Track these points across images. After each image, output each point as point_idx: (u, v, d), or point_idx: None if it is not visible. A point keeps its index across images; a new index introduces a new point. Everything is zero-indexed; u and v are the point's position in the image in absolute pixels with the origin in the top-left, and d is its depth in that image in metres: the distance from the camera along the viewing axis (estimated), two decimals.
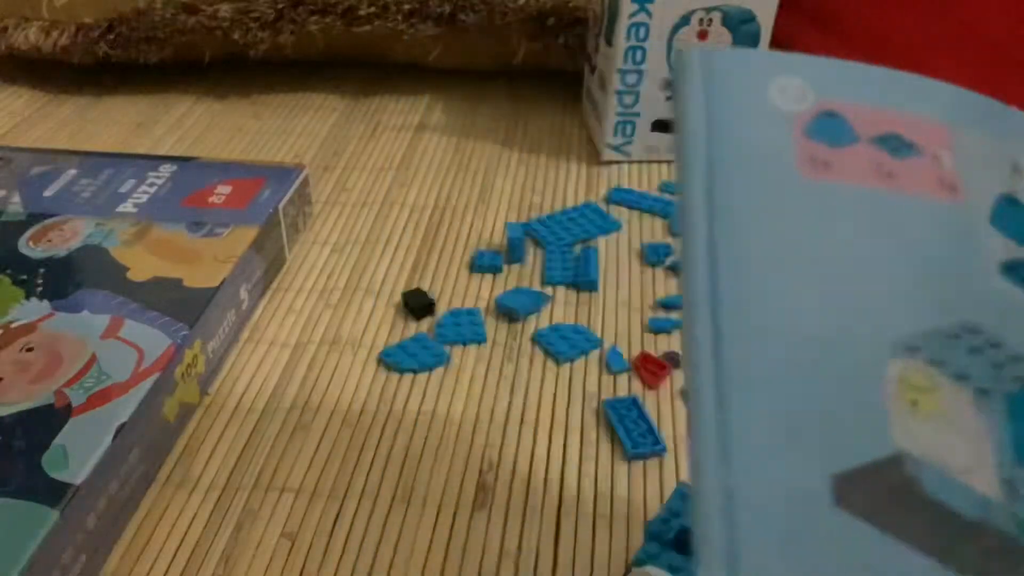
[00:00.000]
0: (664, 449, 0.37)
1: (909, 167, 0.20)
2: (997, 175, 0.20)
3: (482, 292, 0.47)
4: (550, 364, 0.42)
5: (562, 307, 0.46)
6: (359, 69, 0.73)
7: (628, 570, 0.29)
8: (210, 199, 0.47)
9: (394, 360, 0.42)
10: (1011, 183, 0.20)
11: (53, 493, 0.30)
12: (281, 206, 0.48)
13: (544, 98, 0.70)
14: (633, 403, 0.39)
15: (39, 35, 0.66)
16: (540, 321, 0.45)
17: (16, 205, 0.47)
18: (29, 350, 0.37)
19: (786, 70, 0.20)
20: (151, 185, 0.49)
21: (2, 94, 0.70)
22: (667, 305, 0.46)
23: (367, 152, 0.62)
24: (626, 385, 0.41)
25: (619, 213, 0.54)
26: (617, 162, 0.60)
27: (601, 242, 0.51)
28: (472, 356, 0.42)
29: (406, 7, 0.63)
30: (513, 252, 0.49)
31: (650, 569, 0.28)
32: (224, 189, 0.48)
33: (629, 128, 0.58)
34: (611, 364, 0.42)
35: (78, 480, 0.30)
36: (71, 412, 0.33)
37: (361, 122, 0.66)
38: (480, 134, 0.64)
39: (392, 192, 0.56)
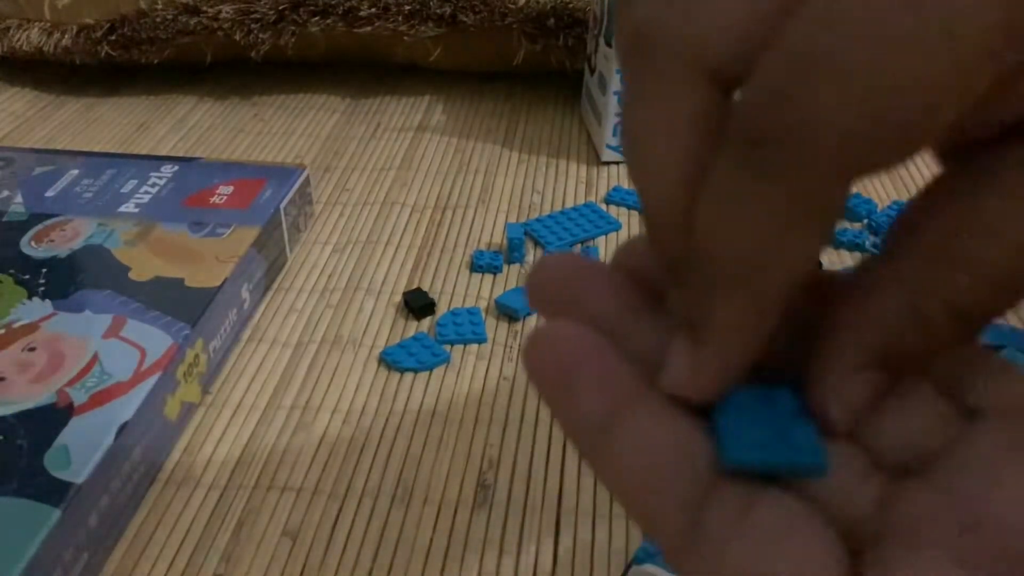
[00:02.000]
0: None
1: None
2: None
3: (482, 292, 0.47)
4: None
5: None
6: (360, 70, 0.73)
7: (627, 568, 0.30)
8: (212, 199, 0.48)
9: (394, 359, 0.42)
10: None
11: (55, 492, 0.30)
12: (282, 206, 0.48)
13: (544, 98, 0.70)
14: None
15: (41, 36, 0.66)
16: (540, 321, 0.45)
17: (18, 205, 0.47)
18: (31, 350, 0.37)
19: None
20: (153, 185, 0.49)
21: (4, 95, 0.70)
22: None
23: (368, 152, 0.62)
24: None
25: (619, 213, 0.54)
26: (617, 162, 0.60)
27: (601, 242, 0.51)
28: (472, 356, 0.43)
29: (407, 8, 0.63)
30: (513, 252, 0.49)
31: (649, 567, 0.28)
32: (226, 189, 0.48)
33: None
34: None
35: (80, 479, 0.31)
36: (73, 411, 0.34)
37: (362, 123, 0.66)
38: (480, 134, 0.64)
39: (392, 192, 0.57)
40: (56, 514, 0.29)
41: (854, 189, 0.57)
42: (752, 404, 0.15)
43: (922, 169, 0.60)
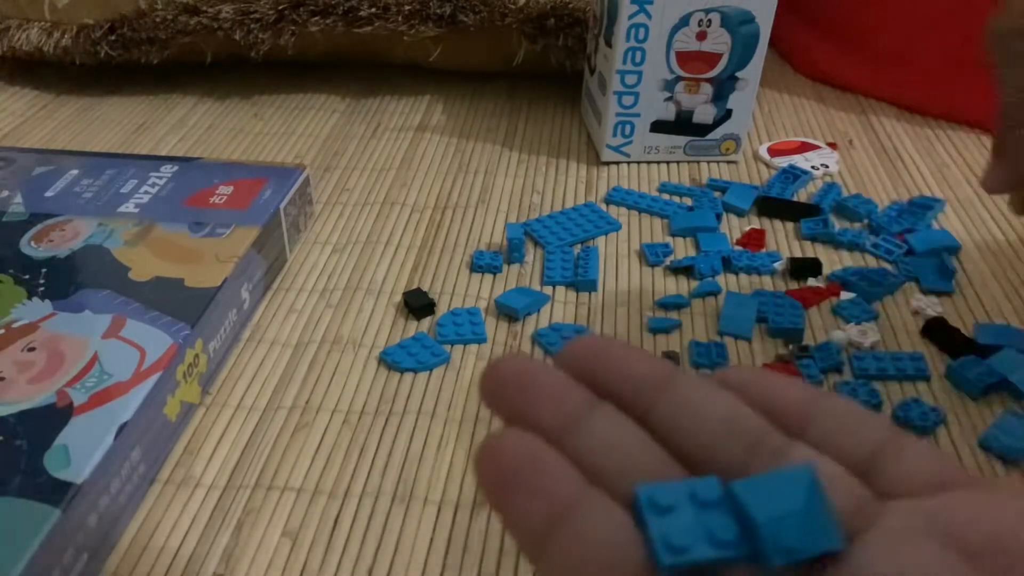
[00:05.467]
0: None
1: None
2: None
3: (482, 292, 0.47)
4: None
5: (562, 307, 0.46)
6: (360, 70, 0.73)
7: None
8: (211, 199, 0.48)
9: (394, 359, 0.42)
10: None
11: (55, 492, 0.30)
12: (282, 206, 0.48)
13: (544, 98, 0.70)
14: None
15: (41, 36, 0.66)
16: (540, 321, 0.45)
17: (18, 205, 0.47)
18: (31, 350, 0.37)
19: None
20: (153, 185, 0.49)
21: (4, 95, 0.70)
22: (667, 305, 0.46)
23: (368, 152, 0.62)
24: None
25: (618, 213, 0.54)
26: (616, 162, 0.60)
27: (601, 242, 0.51)
28: (472, 356, 0.43)
29: (407, 8, 0.63)
30: (513, 252, 0.49)
31: None
32: (225, 189, 0.48)
33: (628, 129, 0.58)
34: None
35: (80, 479, 0.31)
36: (73, 411, 0.34)
37: (362, 123, 0.66)
38: (480, 134, 0.64)
39: (392, 192, 0.57)
40: (56, 514, 0.29)
41: (855, 189, 0.57)
42: (679, 501, 0.16)
43: (921, 170, 0.60)
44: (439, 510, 0.35)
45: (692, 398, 0.18)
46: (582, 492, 0.16)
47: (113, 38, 0.65)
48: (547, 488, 0.16)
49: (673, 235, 0.52)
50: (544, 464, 0.17)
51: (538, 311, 0.46)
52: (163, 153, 0.61)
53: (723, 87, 0.57)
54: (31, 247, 0.43)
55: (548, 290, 0.47)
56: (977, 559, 0.16)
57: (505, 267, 0.49)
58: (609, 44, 0.56)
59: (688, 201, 0.55)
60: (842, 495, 0.17)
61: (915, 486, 0.17)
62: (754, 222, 0.54)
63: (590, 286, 0.47)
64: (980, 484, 0.17)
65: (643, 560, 0.16)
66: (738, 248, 0.50)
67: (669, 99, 0.57)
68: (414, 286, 0.47)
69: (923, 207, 0.54)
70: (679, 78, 0.56)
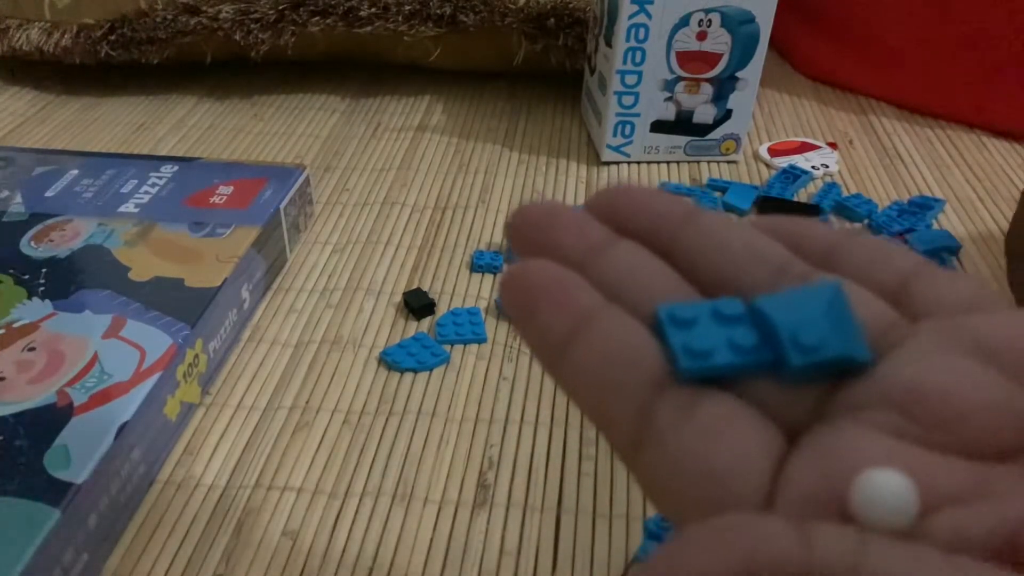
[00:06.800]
0: None
1: None
2: None
3: (482, 292, 0.47)
4: None
5: None
6: (360, 70, 0.73)
7: (627, 568, 0.30)
8: (212, 199, 0.48)
9: (394, 360, 0.42)
10: None
11: (55, 492, 0.30)
12: (282, 206, 0.48)
13: (544, 98, 0.70)
14: None
15: (41, 36, 0.66)
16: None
17: (18, 205, 0.47)
18: (31, 349, 0.37)
19: None
20: (153, 185, 0.49)
21: (4, 94, 0.70)
22: None
23: (368, 152, 0.62)
24: None
25: None
26: (617, 162, 0.60)
27: None
28: (472, 356, 0.43)
29: (407, 8, 0.63)
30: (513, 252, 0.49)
31: None
32: (225, 189, 0.48)
33: (628, 129, 0.58)
34: None
35: (80, 479, 0.31)
36: (73, 411, 0.34)
37: (362, 123, 0.66)
38: (480, 134, 0.64)
39: (392, 192, 0.57)
40: (56, 514, 0.29)
41: (855, 189, 0.57)
42: (700, 316, 0.16)
43: (921, 170, 0.60)
44: (439, 510, 0.35)
45: (715, 229, 0.18)
46: (602, 306, 0.17)
47: (113, 38, 0.65)
48: (568, 303, 0.17)
49: None
50: (566, 283, 0.17)
51: None
52: (163, 153, 0.61)
53: (723, 87, 0.57)
54: (31, 247, 0.43)
55: None
56: (1013, 373, 0.15)
57: (505, 267, 0.49)
58: (609, 44, 0.56)
59: None
60: (871, 314, 0.16)
61: (948, 310, 0.17)
62: None
63: None
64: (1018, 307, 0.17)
65: (661, 368, 0.16)
66: None
67: (669, 99, 0.57)
68: (414, 286, 0.47)
69: (923, 207, 0.54)
70: (679, 78, 0.56)
